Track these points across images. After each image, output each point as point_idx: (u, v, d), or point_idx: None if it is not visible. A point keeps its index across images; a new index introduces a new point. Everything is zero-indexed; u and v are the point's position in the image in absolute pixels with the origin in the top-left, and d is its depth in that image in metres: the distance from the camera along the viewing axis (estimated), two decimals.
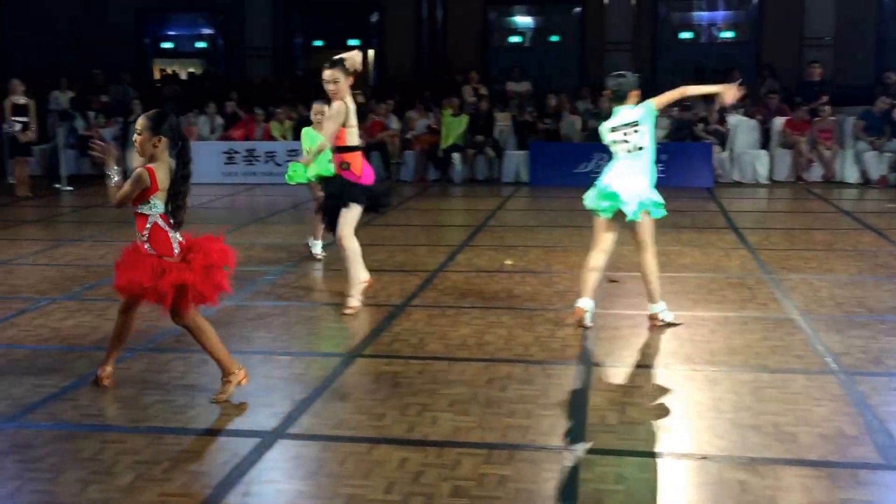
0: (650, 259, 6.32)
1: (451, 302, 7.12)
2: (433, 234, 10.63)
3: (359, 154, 6.74)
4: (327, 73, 6.51)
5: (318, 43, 22.85)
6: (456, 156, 15.72)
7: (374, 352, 5.87)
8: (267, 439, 4.45)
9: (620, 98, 6.38)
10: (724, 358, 5.68)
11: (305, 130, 9.01)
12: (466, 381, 5.25)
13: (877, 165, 14.54)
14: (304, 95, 17.58)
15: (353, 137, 6.65)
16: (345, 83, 6.52)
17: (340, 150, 6.65)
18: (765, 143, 15.39)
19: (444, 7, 21.14)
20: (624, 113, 6.33)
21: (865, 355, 5.65)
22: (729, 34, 21.20)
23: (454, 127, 15.78)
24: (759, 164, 15.05)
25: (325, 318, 6.90)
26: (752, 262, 8.54)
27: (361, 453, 4.26)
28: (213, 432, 4.58)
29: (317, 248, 8.91)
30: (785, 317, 6.60)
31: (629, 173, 6.31)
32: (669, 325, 6.32)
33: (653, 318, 6.40)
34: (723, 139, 15.20)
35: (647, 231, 6.29)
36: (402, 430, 4.53)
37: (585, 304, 6.26)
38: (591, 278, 6.29)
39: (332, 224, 6.85)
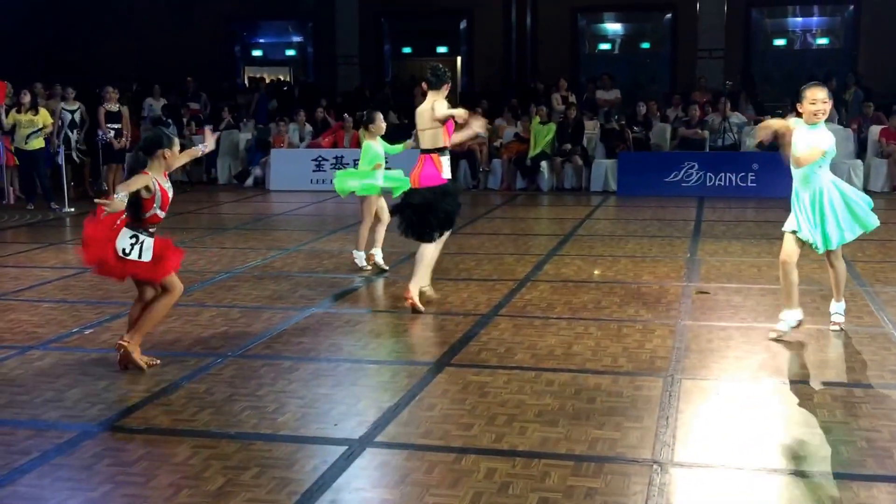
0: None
1: (538, 312, 7.11)
2: (520, 243, 10.62)
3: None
4: None
5: (407, 50, 23.07)
6: (544, 164, 15.68)
7: (462, 361, 5.89)
8: (355, 447, 4.50)
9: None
10: (815, 371, 5.56)
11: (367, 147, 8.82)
12: (554, 391, 5.24)
13: None
14: (396, 102, 17.77)
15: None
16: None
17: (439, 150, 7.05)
18: (860, 153, 14.95)
19: (533, 14, 21.12)
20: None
21: None
22: (824, 41, 20.66)
23: (542, 135, 15.74)
24: (854, 173, 14.60)
25: (412, 326, 6.96)
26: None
27: (448, 463, 4.29)
28: (301, 439, 4.65)
29: (361, 259, 8.84)
30: (880, 330, 6.42)
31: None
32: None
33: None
34: None
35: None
36: (489, 440, 4.54)
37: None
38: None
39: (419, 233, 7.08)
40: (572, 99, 17.42)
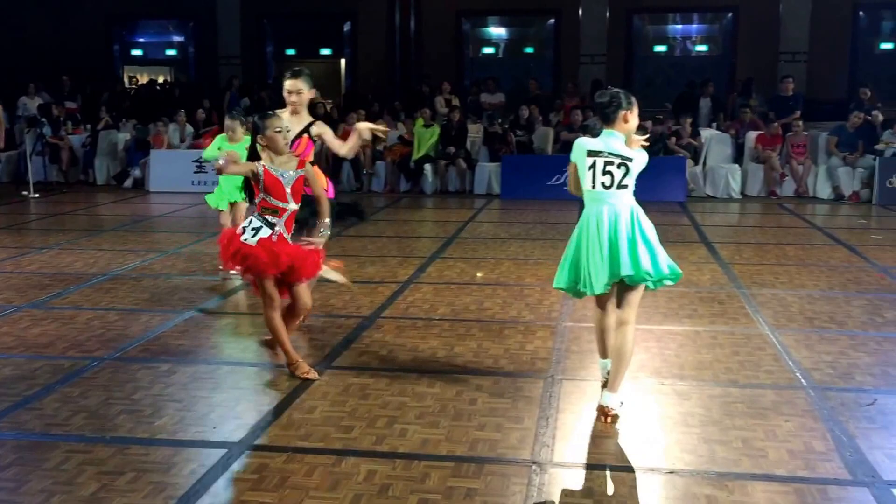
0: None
1: (421, 314, 7.07)
2: (404, 245, 10.58)
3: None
4: (290, 83, 6.25)
5: (291, 51, 22.80)
6: (427, 167, 15.70)
7: (343, 364, 5.81)
8: (233, 451, 4.39)
9: (605, 120, 5.00)
10: (693, 372, 5.67)
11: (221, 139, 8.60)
12: (436, 393, 5.20)
13: (849, 181, 14.65)
14: (279, 104, 17.52)
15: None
16: (307, 96, 6.27)
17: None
18: (738, 158, 15.50)
19: (417, 17, 21.15)
20: (614, 141, 4.94)
21: (835, 371, 5.66)
22: (703, 48, 21.35)
23: (426, 138, 15.76)
24: (732, 178, 15.13)
25: (294, 329, 6.81)
26: (723, 276, 8.56)
27: (328, 465, 4.21)
28: (179, 443, 4.51)
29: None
30: (755, 332, 6.61)
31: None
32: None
33: None
34: (696, 153, 15.29)
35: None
36: (370, 443, 4.48)
37: None
38: None
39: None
40: (456, 102, 17.51)
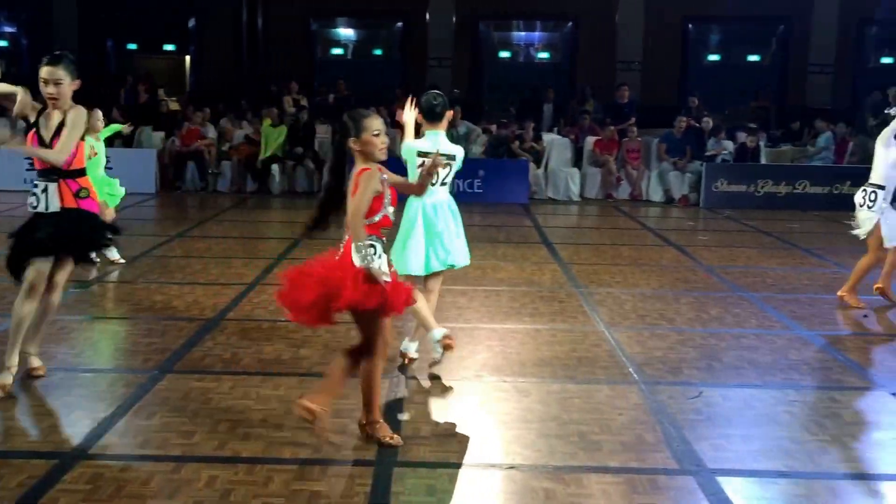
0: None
1: (266, 316, 6.99)
2: (250, 246, 10.42)
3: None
4: (47, 71, 5.14)
5: (132, 46, 22.03)
6: (275, 167, 15.51)
7: (185, 367, 5.68)
8: (66, 460, 4.21)
9: (434, 119, 5.68)
10: (533, 369, 5.84)
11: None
12: (280, 395, 5.16)
13: (679, 185, 15.45)
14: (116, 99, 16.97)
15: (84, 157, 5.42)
16: (69, 87, 5.19)
17: (75, 173, 5.26)
18: (577, 162, 16.04)
19: (265, 15, 20.84)
20: (441, 140, 5.64)
21: (664, 366, 5.95)
22: (545, 55, 21.96)
23: (273, 138, 15.56)
24: (572, 181, 15.66)
25: (133, 333, 6.61)
26: (562, 276, 8.84)
27: (167, 472, 4.11)
28: (7, 454, 4.29)
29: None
30: (592, 329, 6.86)
31: (442, 211, 5.68)
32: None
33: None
34: (538, 157, 15.72)
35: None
36: (211, 448, 4.40)
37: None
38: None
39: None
40: (304, 102, 17.37)
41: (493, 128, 16.27)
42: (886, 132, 7.57)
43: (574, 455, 4.45)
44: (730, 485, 4.16)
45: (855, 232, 7.78)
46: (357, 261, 4.23)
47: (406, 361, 5.91)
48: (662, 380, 5.66)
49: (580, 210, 14.78)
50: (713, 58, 21.28)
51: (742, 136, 16.13)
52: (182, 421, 4.75)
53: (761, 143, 16.13)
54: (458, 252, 5.80)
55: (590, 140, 16.06)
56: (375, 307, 4.25)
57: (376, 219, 4.35)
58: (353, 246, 4.27)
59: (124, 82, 18.64)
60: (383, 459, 4.33)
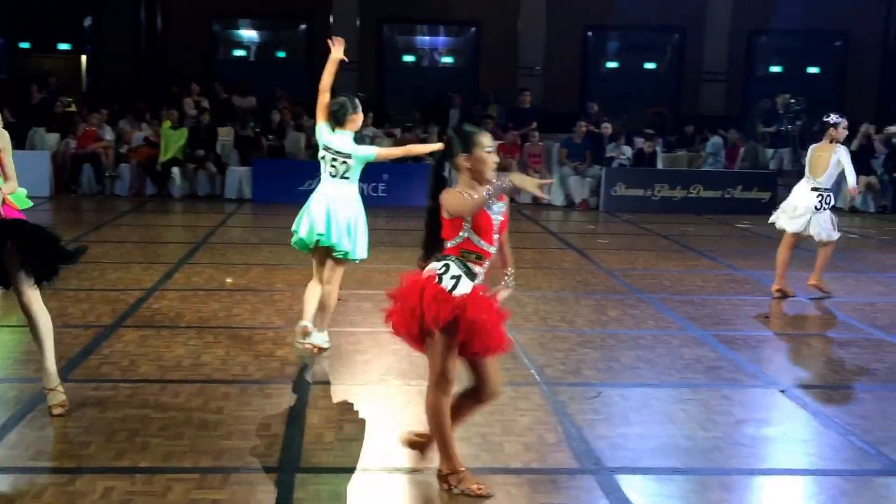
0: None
1: (166, 322, 6.87)
2: (149, 251, 10.20)
3: None
4: None
5: (25, 45, 21.28)
6: (175, 170, 15.21)
7: (81, 376, 5.53)
8: None
9: (339, 121, 6.08)
10: None
11: None
12: (180, 403, 5.08)
13: (579, 189, 15.75)
14: (11, 100, 16.38)
15: None
16: None
17: None
18: None
19: (164, 15, 20.41)
20: (342, 139, 6.04)
21: (565, 367, 6.06)
22: (449, 59, 22.10)
23: (173, 140, 15.26)
24: None
25: (26, 341, 6.39)
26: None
27: (61, 485, 4.00)
28: None
29: None
30: None
31: (336, 199, 6.05)
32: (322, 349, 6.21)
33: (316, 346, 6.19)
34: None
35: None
36: (107, 459, 4.30)
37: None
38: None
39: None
40: (206, 104, 17.08)
41: (398, 132, 16.31)
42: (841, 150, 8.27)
43: (477, 457, 4.49)
44: (627, 482, 4.27)
45: (812, 233, 8.36)
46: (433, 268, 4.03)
47: (316, 352, 6.10)
48: (563, 381, 5.77)
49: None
50: (612, 65, 21.78)
51: (639, 142, 16.61)
52: (77, 431, 4.62)
53: (658, 149, 16.64)
54: (357, 245, 6.14)
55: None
56: (446, 325, 3.92)
57: (458, 240, 4.04)
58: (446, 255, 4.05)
59: (18, 82, 18.03)
60: (286, 466, 4.31)
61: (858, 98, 20.47)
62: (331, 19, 20.20)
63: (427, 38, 22.16)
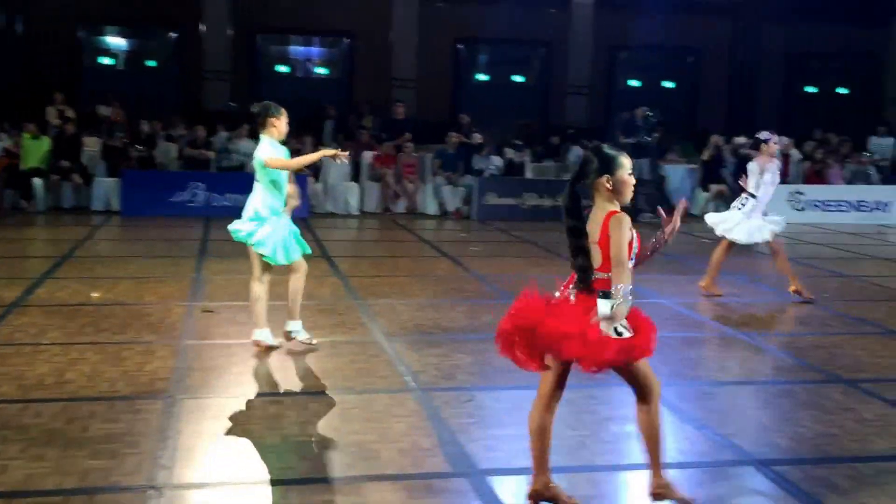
0: (253, 285, 6.49)
1: (28, 339, 6.63)
2: (9, 266, 9.80)
3: None
4: None
5: None
6: (37, 181, 14.63)
7: None
8: None
9: (259, 124, 6.48)
10: (313, 382, 5.89)
11: None
12: (42, 423, 4.91)
13: (452, 199, 16.01)
14: None
15: None
16: None
17: None
18: (356, 176, 16.21)
19: (26, 19, 19.62)
20: (260, 144, 6.42)
21: (439, 372, 6.15)
22: (324, 70, 22.03)
23: (34, 150, 14.69)
24: (351, 195, 15.81)
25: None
26: (342, 289, 8.92)
27: None
28: None
29: None
30: (371, 340, 6.98)
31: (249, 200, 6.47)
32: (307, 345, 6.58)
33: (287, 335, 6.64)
34: (316, 171, 15.75)
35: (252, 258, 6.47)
36: None
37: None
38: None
39: None
40: (71, 113, 16.51)
41: None
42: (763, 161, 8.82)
43: (352, 465, 4.51)
44: (500, 484, 4.37)
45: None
46: (604, 308, 3.83)
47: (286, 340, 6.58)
48: (438, 386, 5.85)
49: (359, 224, 14.94)
50: (482, 77, 22.23)
51: (509, 152, 17.09)
52: None
53: (526, 159, 17.15)
54: (260, 241, 6.41)
55: (368, 155, 16.28)
56: (615, 359, 3.84)
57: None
58: (609, 291, 3.84)
59: None
60: (156, 483, 4.22)
61: (709, 111, 21.77)
62: (202, 28, 19.85)
63: (301, 48, 22.04)
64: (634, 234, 3.92)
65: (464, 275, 10.04)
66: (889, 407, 5.71)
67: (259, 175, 6.33)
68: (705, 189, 16.86)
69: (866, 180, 18.16)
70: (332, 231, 13.63)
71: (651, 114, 16.91)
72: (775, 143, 9.04)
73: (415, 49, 20.40)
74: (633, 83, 22.65)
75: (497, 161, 16.73)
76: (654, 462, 4.06)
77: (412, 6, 20.40)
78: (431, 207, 16.07)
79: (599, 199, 3.99)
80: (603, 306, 3.82)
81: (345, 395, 5.62)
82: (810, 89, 23.54)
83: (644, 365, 3.98)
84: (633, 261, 3.94)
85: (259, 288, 6.46)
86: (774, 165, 8.90)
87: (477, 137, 16.84)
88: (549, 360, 4.01)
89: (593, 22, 21.04)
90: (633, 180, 4.01)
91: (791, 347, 7.37)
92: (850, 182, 18.04)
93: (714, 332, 7.87)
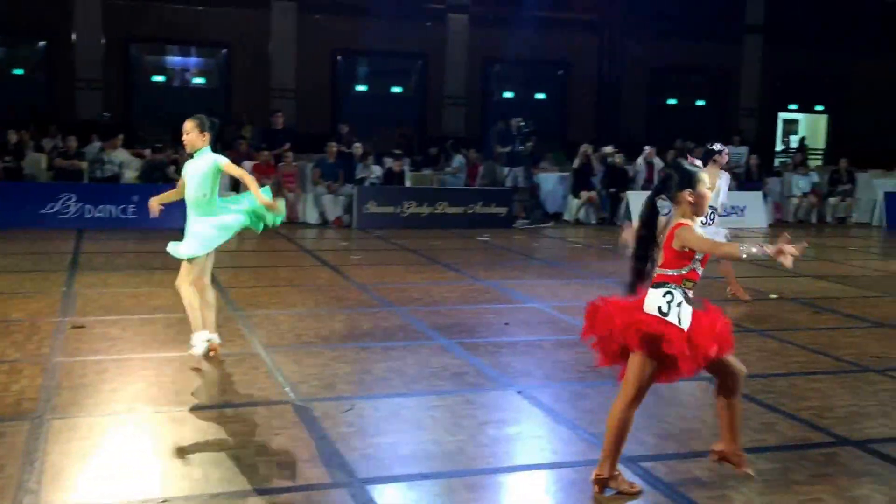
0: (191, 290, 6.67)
1: None
2: None
3: None
4: None
5: None
6: None
7: None
8: None
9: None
10: (189, 397, 5.79)
11: None
12: None
13: (333, 207, 16.02)
14: None
15: None
16: None
17: None
18: (235, 186, 15.96)
19: None
20: (197, 161, 6.61)
21: (319, 382, 6.15)
22: (201, 80, 21.69)
23: None
24: None
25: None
26: (221, 300, 8.78)
27: None
28: None
29: None
30: (250, 351, 6.93)
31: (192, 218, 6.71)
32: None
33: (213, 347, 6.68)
34: None
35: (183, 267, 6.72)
36: None
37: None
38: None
39: None
40: None
41: (148, 152, 15.81)
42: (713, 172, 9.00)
43: (230, 480, 4.46)
44: (379, 492, 4.40)
45: None
46: (656, 299, 4.20)
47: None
48: (317, 396, 5.85)
49: (238, 233, 14.68)
50: (361, 88, 22.40)
51: (389, 161, 17.22)
52: None
53: (405, 168, 17.33)
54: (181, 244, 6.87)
55: (247, 165, 16.07)
56: (653, 351, 4.20)
57: (684, 271, 4.23)
58: (660, 283, 4.23)
59: None
60: None
61: (578, 121, 22.67)
62: (73, 37, 19.28)
63: (178, 58, 21.66)
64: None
65: (344, 283, 10.05)
66: (745, 401, 6.01)
67: (196, 190, 6.61)
68: (576, 196, 17.43)
69: None
70: None
71: (524, 124, 17.42)
72: (727, 155, 9.32)
73: (294, 60, 20.42)
74: (507, 94, 23.36)
75: (376, 170, 16.82)
76: (609, 453, 4.40)
77: (290, 18, 20.40)
78: (312, 216, 16.04)
79: (680, 210, 4.29)
80: (654, 297, 4.19)
81: (223, 409, 5.56)
82: (671, 101, 24.96)
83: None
84: (693, 266, 4.23)
85: (201, 294, 6.69)
86: (726, 177, 9.24)
87: (357, 147, 16.90)
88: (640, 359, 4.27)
89: (468, 36, 21.64)
90: (710, 195, 4.35)
91: None
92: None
93: None
